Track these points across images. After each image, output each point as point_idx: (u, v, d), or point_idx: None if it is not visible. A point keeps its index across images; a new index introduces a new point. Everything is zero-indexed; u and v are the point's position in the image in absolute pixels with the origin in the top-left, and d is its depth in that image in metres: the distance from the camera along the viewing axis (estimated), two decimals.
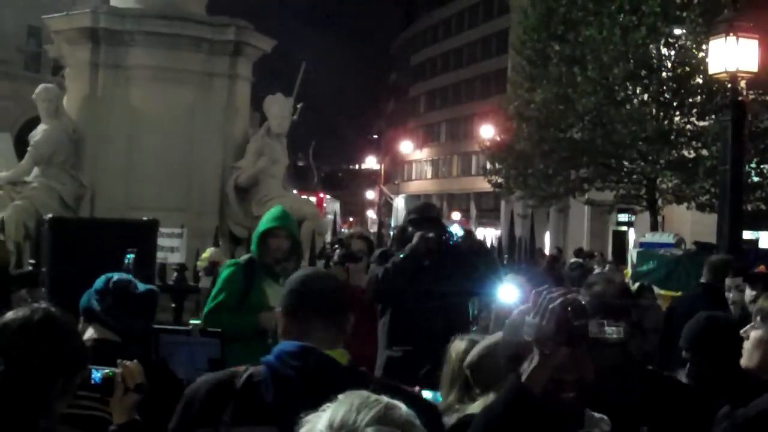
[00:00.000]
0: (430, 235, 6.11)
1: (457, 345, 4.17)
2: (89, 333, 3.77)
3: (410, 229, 6.28)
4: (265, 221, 6.05)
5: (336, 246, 11.03)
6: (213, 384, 2.83)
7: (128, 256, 6.04)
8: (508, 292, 5.28)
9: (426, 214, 6.51)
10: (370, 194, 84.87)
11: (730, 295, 6.92)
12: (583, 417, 2.47)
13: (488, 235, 36.34)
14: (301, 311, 2.87)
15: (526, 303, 2.81)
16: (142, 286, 3.95)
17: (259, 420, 2.70)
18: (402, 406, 1.56)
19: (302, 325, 2.85)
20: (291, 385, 2.71)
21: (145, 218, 7.17)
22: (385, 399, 1.57)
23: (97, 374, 3.13)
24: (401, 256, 6.06)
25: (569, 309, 2.29)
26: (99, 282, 3.91)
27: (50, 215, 7.42)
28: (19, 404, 2.65)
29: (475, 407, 3.20)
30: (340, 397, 1.60)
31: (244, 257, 6.25)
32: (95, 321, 3.81)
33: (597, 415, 2.51)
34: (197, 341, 4.60)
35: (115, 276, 3.93)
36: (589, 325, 2.32)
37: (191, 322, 4.71)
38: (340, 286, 3.05)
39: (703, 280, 7.80)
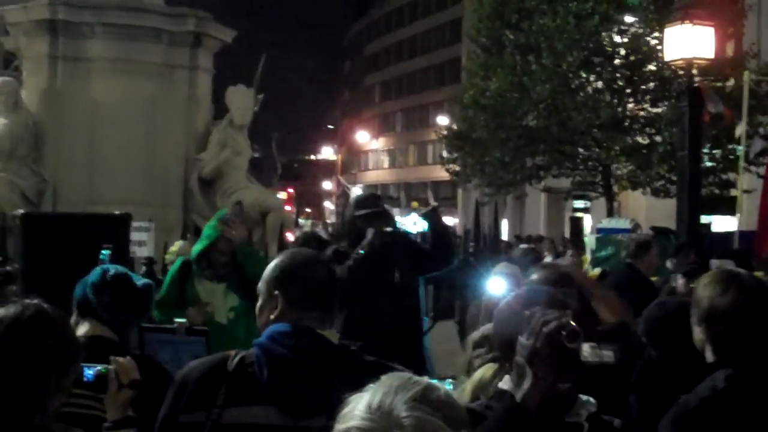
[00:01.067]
0: (387, 229, 6.14)
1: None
2: (84, 328, 3.65)
3: (359, 223, 6.24)
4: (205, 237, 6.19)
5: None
6: (204, 368, 2.84)
7: (103, 252, 5.95)
8: (497, 284, 5.35)
9: (374, 207, 6.45)
10: (327, 185, 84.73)
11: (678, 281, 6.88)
12: (574, 402, 2.55)
13: (447, 223, 36.43)
14: (296, 294, 2.91)
15: (514, 292, 2.90)
16: (140, 281, 3.83)
17: (254, 400, 2.73)
18: (441, 387, 1.60)
19: (295, 307, 2.89)
20: (285, 364, 2.75)
21: (117, 212, 7.13)
22: (425, 380, 1.59)
23: (89, 372, 3.08)
24: (361, 252, 6.04)
25: (563, 332, 2.33)
26: (95, 275, 3.75)
27: (20, 211, 7.34)
28: (12, 401, 2.64)
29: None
30: (382, 378, 1.62)
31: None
32: (90, 316, 3.68)
33: (584, 397, 2.59)
34: (183, 339, 4.56)
35: (112, 269, 3.79)
36: (582, 349, 2.36)
37: (176, 320, 4.68)
38: (331, 269, 3.11)
39: (628, 259, 7.97)
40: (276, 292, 2.93)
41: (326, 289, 2.98)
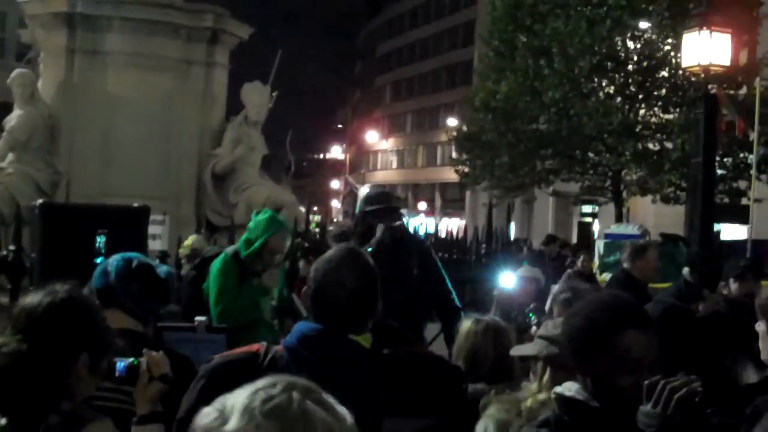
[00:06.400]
0: (397, 224, 6.02)
1: (464, 324, 4.39)
2: (111, 320, 3.35)
3: (369, 219, 6.10)
4: (265, 229, 5.93)
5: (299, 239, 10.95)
6: (233, 365, 2.80)
7: (98, 238, 5.90)
8: (507, 278, 5.49)
9: (384, 203, 6.28)
10: (336, 184, 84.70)
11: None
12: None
13: (453, 225, 36.45)
14: (324, 313, 2.84)
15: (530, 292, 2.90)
16: (162, 270, 3.73)
17: None
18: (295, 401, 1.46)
19: (329, 308, 2.83)
20: (313, 371, 2.70)
21: (135, 204, 7.15)
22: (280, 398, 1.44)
23: (121, 364, 3.02)
24: (369, 250, 5.74)
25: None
26: (118, 264, 3.61)
27: (39, 201, 7.37)
28: (40, 385, 2.61)
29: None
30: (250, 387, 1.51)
31: (230, 249, 6.19)
32: (114, 306, 3.52)
33: None
34: (203, 338, 4.52)
35: (135, 259, 3.66)
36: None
37: (197, 318, 4.63)
38: (367, 273, 2.95)
39: (624, 264, 7.79)
40: (307, 288, 2.92)
41: (359, 299, 2.85)
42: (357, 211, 6.67)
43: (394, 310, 5.72)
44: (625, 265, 7.78)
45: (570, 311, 2.72)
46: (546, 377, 3.56)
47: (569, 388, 2.52)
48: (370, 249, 5.83)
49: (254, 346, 2.88)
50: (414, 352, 3.02)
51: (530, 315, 5.75)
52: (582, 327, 2.50)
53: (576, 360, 2.49)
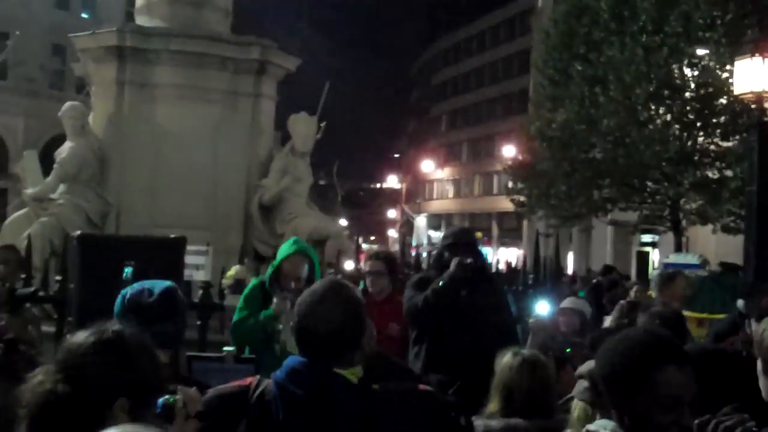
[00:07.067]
0: (468, 260, 5.99)
1: (503, 358, 4.34)
2: None
3: (446, 254, 6.13)
4: (280, 254, 6.07)
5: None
6: (224, 399, 2.83)
7: (126, 270, 5.97)
8: (543, 306, 5.42)
9: (463, 239, 6.37)
10: (392, 213, 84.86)
11: None
12: None
13: (511, 255, 36.19)
14: (305, 348, 2.86)
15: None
16: (156, 289, 3.71)
17: None
18: None
19: (311, 342, 2.84)
20: (300, 405, 2.72)
21: (172, 235, 7.17)
22: None
23: (157, 401, 2.95)
24: (440, 283, 5.90)
25: None
26: (117, 304, 3.70)
27: (78, 232, 7.44)
28: (73, 427, 2.54)
29: None
30: None
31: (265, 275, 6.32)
32: None
33: None
34: (231, 368, 4.54)
35: (128, 292, 3.72)
36: None
37: (224, 349, 4.66)
38: (349, 308, 2.91)
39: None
40: (292, 324, 2.95)
41: (340, 332, 2.85)
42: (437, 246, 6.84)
43: (468, 344, 5.72)
44: (654, 293, 7.72)
45: (604, 347, 2.65)
46: (576, 415, 3.47)
47: (604, 426, 2.46)
48: (441, 282, 5.88)
49: (247, 380, 2.90)
50: (403, 386, 2.98)
51: (568, 350, 5.61)
52: (619, 363, 2.45)
53: (612, 397, 2.44)
